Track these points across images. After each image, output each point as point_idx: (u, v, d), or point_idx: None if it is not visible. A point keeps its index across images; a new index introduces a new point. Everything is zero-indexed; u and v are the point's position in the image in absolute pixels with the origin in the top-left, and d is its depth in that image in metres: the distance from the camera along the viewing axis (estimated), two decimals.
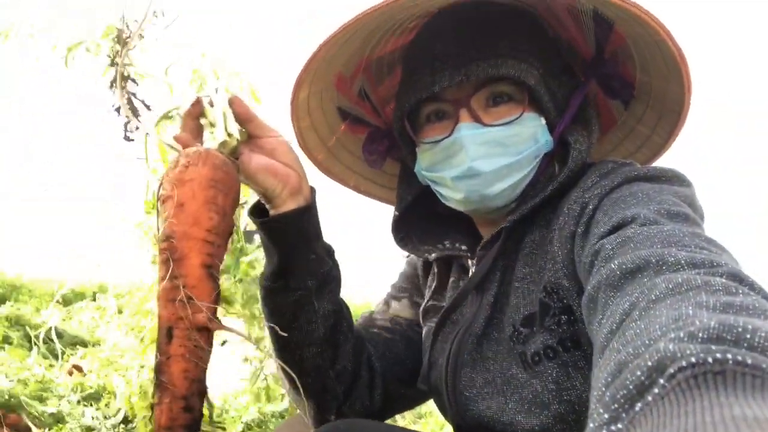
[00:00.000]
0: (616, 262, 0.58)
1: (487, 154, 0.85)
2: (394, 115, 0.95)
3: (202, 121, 0.82)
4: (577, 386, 0.78)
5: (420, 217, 1.04)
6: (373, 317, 1.10)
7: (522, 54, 0.86)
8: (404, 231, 1.03)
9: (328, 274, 0.92)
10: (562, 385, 0.78)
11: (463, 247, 0.98)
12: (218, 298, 0.70)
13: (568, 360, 0.78)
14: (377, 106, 1.07)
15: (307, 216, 0.89)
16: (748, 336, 0.36)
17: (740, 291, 0.45)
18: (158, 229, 0.70)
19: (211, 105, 0.81)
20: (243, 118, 0.87)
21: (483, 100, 0.87)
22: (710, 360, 0.34)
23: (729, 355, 0.34)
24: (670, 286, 0.48)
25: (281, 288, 0.90)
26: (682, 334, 0.39)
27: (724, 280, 0.47)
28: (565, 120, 0.89)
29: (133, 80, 0.91)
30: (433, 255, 1.00)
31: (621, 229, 0.66)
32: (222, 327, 0.68)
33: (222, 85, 0.86)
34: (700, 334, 0.38)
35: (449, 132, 0.87)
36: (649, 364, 0.37)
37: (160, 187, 0.73)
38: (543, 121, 0.87)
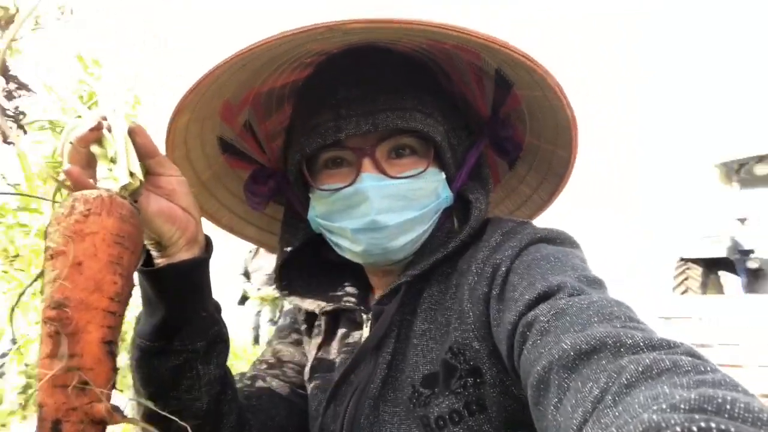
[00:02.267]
0: (567, 342, 0.56)
1: (390, 208, 0.81)
2: (290, 158, 0.88)
3: (94, 150, 0.67)
4: None
5: (304, 265, 0.98)
6: (254, 376, 0.99)
7: (428, 108, 0.84)
8: (287, 279, 0.96)
9: (218, 335, 0.80)
10: None
11: (354, 300, 0.93)
12: (115, 381, 0.57)
13: (473, 425, 0.75)
14: (263, 141, 0.99)
15: (202, 268, 0.77)
16: (728, 407, 0.38)
17: (708, 368, 0.46)
18: (41, 292, 0.56)
19: (109, 131, 0.67)
20: (145, 151, 0.72)
21: (387, 151, 0.83)
22: (695, 429, 0.36)
23: (713, 424, 0.36)
24: (640, 369, 0.47)
25: (161, 350, 0.76)
26: (664, 406, 0.39)
27: (689, 359, 0.48)
28: (462, 176, 0.89)
29: (13, 77, 0.71)
30: (320, 307, 0.93)
31: (550, 299, 0.65)
32: (126, 420, 0.55)
33: (120, 106, 0.70)
34: (682, 405, 0.39)
35: (351, 181, 0.82)
36: None
37: (46, 236, 0.58)
38: (443, 176, 0.86)
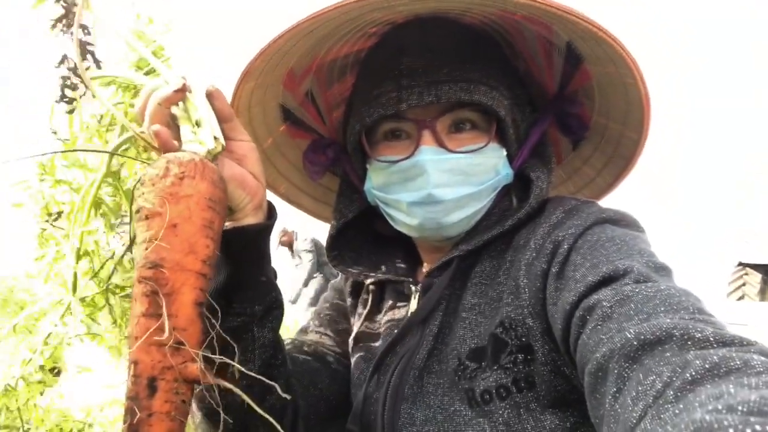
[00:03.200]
0: (631, 331, 0.54)
1: (449, 182, 0.80)
2: (349, 128, 0.88)
3: (176, 111, 0.66)
4: (528, 429, 0.73)
5: (356, 236, 0.97)
6: (301, 341, 1.01)
7: (492, 81, 0.82)
8: (338, 249, 0.95)
9: (275, 300, 0.81)
10: (513, 428, 0.73)
11: (402, 272, 0.92)
12: (205, 343, 0.58)
13: (521, 401, 0.73)
14: (323, 111, 0.99)
15: (266, 233, 0.79)
16: None
17: None
18: (131, 249, 0.57)
19: (190, 92, 0.67)
20: (222, 115, 0.73)
21: (447, 124, 0.82)
22: (749, 431, 0.33)
23: None
24: (707, 366, 0.45)
25: (221, 311, 0.78)
26: (720, 407, 0.37)
27: (762, 359, 0.44)
28: (524, 153, 0.87)
29: (85, 26, 0.71)
30: (369, 278, 0.93)
31: (614, 283, 0.63)
32: (218, 382, 0.55)
33: (198, 68, 0.71)
34: (740, 407, 0.36)
35: (409, 153, 0.81)
36: None
37: (138, 196, 0.58)
38: (504, 152, 0.84)
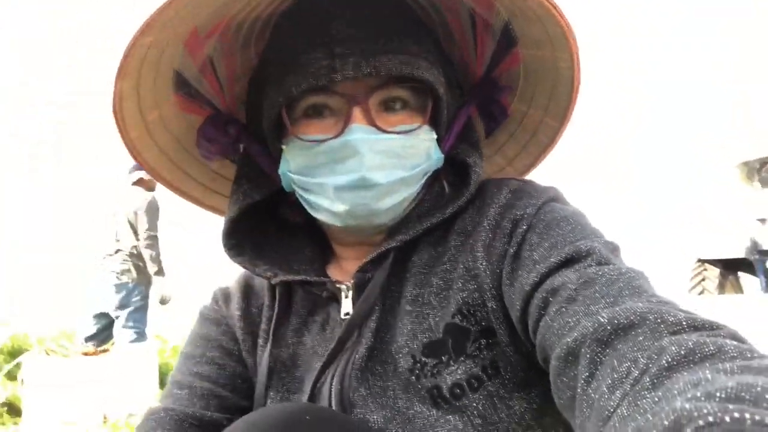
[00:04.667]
0: (604, 315, 0.53)
1: (382, 164, 0.73)
2: (266, 101, 0.77)
3: None
4: (504, 419, 0.69)
5: (255, 227, 0.85)
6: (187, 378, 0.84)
7: (431, 57, 0.77)
8: (236, 238, 0.83)
9: None
10: (489, 419, 0.68)
11: (316, 272, 0.83)
12: None
13: (492, 389, 0.69)
14: (224, 82, 0.85)
15: None
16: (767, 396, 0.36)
17: (755, 354, 0.44)
18: None
19: None
20: None
21: (378, 101, 0.75)
22: (728, 419, 0.33)
23: (747, 414, 0.33)
24: (682, 352, 0.45)
25: None
26: (698, 394, 0.37)
27: (735, 343, 0.45)
28: (451, 138, 0.82)
29: None
30: (278, 278, 0.80)
31: (576, 264, 0.63)
32: None
33: None
34: (718, 394, 0.37)
35: (338, 132, 0.73)
36: (665, 423, 0.36)
37: None
38: (435, 135, 0.79)
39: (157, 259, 4.95)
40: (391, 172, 0.73)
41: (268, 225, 0.87)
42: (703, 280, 9.38)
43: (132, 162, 4.93)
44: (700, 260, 9.47)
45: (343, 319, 0.78)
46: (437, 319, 0.72)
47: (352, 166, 0.72)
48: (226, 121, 0.85)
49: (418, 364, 0.71)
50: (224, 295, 0.91)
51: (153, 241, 4.91)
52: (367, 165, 0.71)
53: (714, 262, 9.32)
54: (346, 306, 0.79)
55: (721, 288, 9.27)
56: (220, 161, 0.92)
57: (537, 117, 0.91)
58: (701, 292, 9.25)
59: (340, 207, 0.74)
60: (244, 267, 0.82)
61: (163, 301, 5.07)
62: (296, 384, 0.79)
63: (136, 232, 4.91)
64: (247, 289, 0.89)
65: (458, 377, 0.69)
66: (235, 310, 0.87)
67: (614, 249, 0.67)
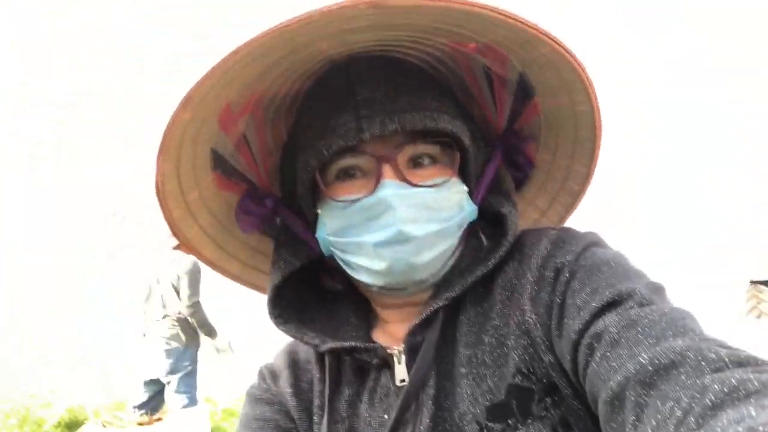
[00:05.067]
0: (644, 356, 0.54)
1: (416, 218, 0.73)
2: (301, 167, 0.79)
3: None
4: None
5: (297, 295, 0.86)
6: None
7: (454, 112, 0.80)
8: (280, 308, 0.83)
9: None
10: None
11: (363, 339, 0.81)
12: None
13: None
14: (258, 157, 0.89)
15: None
16: None
17: None
18: None
19: None
20: None
21: (407, 158, 0.77)
22: None
23: None
24: (726, 390, 0.45)
25: None
26: (741, 429, 0.38)
27: None
28: (482, 190, 0.84)
29: None
30: (327, 346, 0.79)
31: (618, 307, 0.63)
32: None
33: None
34: (761, 429, 0.37)
35: (370, 191, 0.74)
36: None
37: None
38: (465, 188, 0.81)
39: (204, 323, 5.03)
40: (426, 225, 0.74)
41: (309, 295, 0.88)
42: (759, 303, 8.97)
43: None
44: (753, 282, 9.07)
45: (399, 387, 0.76)
46: (495, 379, 0.71)
47: (387, 221, 0.73)
48: (263, 195, 0.87)
49: (485, 430, 0.69)
50: (271, 373, 0.89)
51: (196, 308, 4.98)
52: (402, 218, 0.72)
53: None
54: (400, 372, 0.77)
55: None
56: (257, 238, 0.94)
57: (563, 164, 0.92)
58: (759, 316, 8.85)
59: (380, 264, 0.74)
60: (291, 335, 0.82)
61: (220, 350, 5.12)
62: None
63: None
64: (294, 365, 0.88)
65: None
66: (285, 387, 0.86)
67: (657, 289, 0.66)
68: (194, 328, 5.05)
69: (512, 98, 0.86)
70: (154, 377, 5.01)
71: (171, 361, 4.92)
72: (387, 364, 0.78)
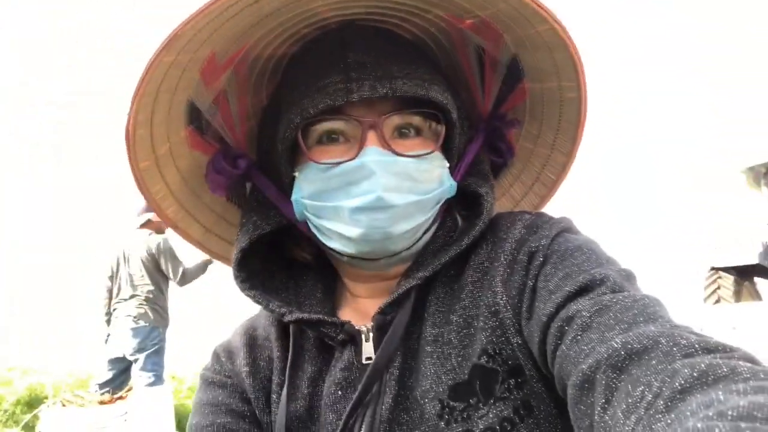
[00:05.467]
0: (617, 340, 0.54)
1: (397, 186, 0.73)
2: (283, 125, 0.76)
3: None
4: None
5: (263, 263, 0.84)
6: None
7: (443, 86, 0.79)
8: (246, 272, 0.80)
9: None
10: None
11: (328, 312, 0.79)
12: None
13: (525, 431, 0.66)
14: (237, 117, 0.86)
15: None
16: None
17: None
18: None
19: None
20: None
21: (392, 127, 0.76)
22: None
23: None
24: (695, 374, 0.45)
25: None
26: (711, 413, 0.38)
27: (748, 365, 0.46)
28: (461, 169, 0.83)
29: None
30: (293, 316, 0.77)
31: (591, 292, 0.63)
32: None
33: None
34: (730, 413, 0.37)
35: (354, 155, 0.73)
36: None
37: None
38: (447, 164, 0.80)
39: (199, 270, 5.15)
40: (406, 195, 0.73)
41: (276, 265, 0.85)
42: (719, 288, 9.20)
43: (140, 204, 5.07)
44: (713, 268, 9.29)
45: (363, 365, 0.75)
46: (460, 359, 0.71)
47: (367, 187, 0.71)
48: (236, 155, 0.85)
49: (447, 409, 0.69)
50: (227, 352, 0.86)
51: (185, 274, 5.08)
52: (382, 185, 0.71)
53: (728, 270, 9.16)
54: (367, 350, 0.76)
55: (737, 296, 9.09)
56: (223, 205, 0.91)
57: (543, 153, 0.92)
58: (717, 301, 9.03)
59: (354, 231, 0.72)
60: (256, 302, 0.79)
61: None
62: (309, 422, 0.75)
63: (152, 276, 5.03)
64: (252, 342, 0.85)
65: (490, 421, 0.67)
66: (242, 366, 0.83)
67: (629, 276, 0.67)
68: (163, 307, 5.09)
69: (501, 81, 0.86)
70: (119, 355, 4.97)
71: (138, 339, 4.90)
72: (353, 340, 0.76)
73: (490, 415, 0.67)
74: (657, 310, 0.59)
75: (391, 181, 0.72)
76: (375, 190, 0.71)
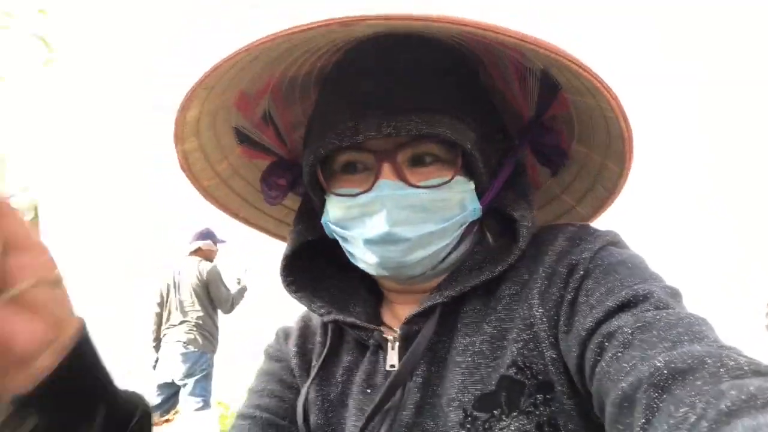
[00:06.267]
0: (660, 359, 0.52)
1: (409, 220, 0.73)
2: (305, 160, 0.80)
3: None
4: None
5: (312, 265, 0.89)
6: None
7: (459, 111, 0.75)
8: (293, 275, 0.87)
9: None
10: None
11: (368, 318, 0.84)
12: None
13: None
14: (283, 132, 0.91)
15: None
16: None
17: None
18: None
19: None
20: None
21: (408, 156, 0.75)
22: None
23: None
24: (743, 397, 0.43)
25: None
26: None
27: None
28: (495, 186, 0.80)
29: None
30: (331, 317, 0.83)
31: (634, 309, 0.61)
32: None
33: None
34: None
35: (368, 187, 0.74)
36: None
37: None
38: (472, 186, 0.77)
39: (240, 295, 5.47)
40: (419, 226, 0.73)
41: (327, 266, 0.90)
42: None
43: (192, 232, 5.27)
44: None
45: (388, 372, 0.79)
46: (489, 370, 0.71)
47: (378, 222, 0.73)
48: (286, 167, 0.91)
49: (469, 418, 0.70)
50: (285, 333, 0.96)
51: (234, 299, 5.38)
52: (393, 220, 0.72)
53: None
54: (392, 358, 0.79)
55: None
56: (290, 197, 0.97)
57: (597, 160, 0.84)
58: None
59: (371, 258, 0.75)
60: (301, 302, 0.86)
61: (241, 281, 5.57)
62: (341, 425, 0.81)
63: (201, 302, 5.16)
64: (305, 328, 0.93)
65: None
66: (292, 346, 0.92)
67: (674, 294, 0.64)
68: (212, 333, 5.20)
69: (539, 87, 0.79)
70: (168, 380, 5.07)
71: (188, 365, 5.02)
72: (381, 346, 0.81)
73: (512, 428, 0.67)
74: (703, 330, 0.56)
75: (401, 215, 0.73)
76: (384, 226, 0.72)
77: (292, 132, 0.93)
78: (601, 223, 0.89)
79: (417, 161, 0.75)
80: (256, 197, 0.98)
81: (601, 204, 0.91)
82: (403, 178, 0.73)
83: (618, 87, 0.70)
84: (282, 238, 1.04)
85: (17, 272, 0.49)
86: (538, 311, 0.70)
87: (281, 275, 0.87)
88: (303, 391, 0.85)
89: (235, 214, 0.98)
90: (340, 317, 0.82)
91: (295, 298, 0.87)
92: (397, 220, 0.72)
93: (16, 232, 0.49)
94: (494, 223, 0.81)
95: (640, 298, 0.61)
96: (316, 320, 0.94)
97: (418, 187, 0.73)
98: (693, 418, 0.44)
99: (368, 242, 0.74)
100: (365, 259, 0.77)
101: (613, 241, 0.73)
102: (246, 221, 1.01)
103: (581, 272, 0.69)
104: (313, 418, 0.83)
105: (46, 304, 0.51)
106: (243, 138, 0.88)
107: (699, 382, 0.47)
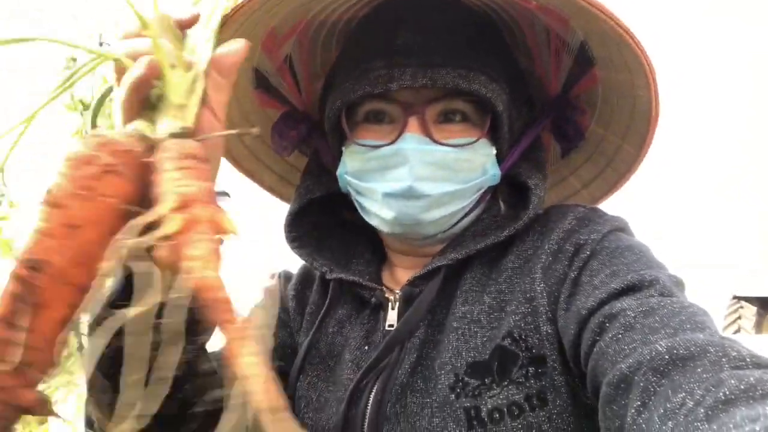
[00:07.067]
0: (662, 344, 0.52)
1: (432, 176, 0.73)
2: (329, 103, 0.79)
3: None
4: None
5: (317, 222, 0.88)
6: None
7: (493, 72, 0.75)
8: (297, 232, 0.86)
9: None
10: None
11: (371, 277, 0.83)
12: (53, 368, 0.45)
13: (533, 421, 0.67)
14: (302, 80, 0.89)
15: None
16: None
17: None
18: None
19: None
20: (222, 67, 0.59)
21: (437, 113, 0.75)
22: None
23: None
24: (742, 387, 0.43)
25: None
26: (757, 428, 0.36)
27: None
28: (514, 155, 0.80)
29: None
30: (334, 275, 0.82)
31: (638, 293, 0.61)
32: (51, 414, 0.43)
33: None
34: None
35: (392, 140, 0.73)
36: None
37: (54, 180, 0.44)
38: (494, 151, 0.78)
39: None
40: (441, 184, 0.73)
41: (332, 223, 0.90)
42: (740, 318, 8.73)
43: None
44: (735, 297, 8.78)
45: (387, 331, 0.78)
46: (485, 339, 0.71)
47: (401, 175, 0.73)
48: (300, 118, 0.88)
49: (460, 383, 0.70)
50: (286, 276, 0.95)
51: None
52: (416, 175, 0.72)
53: (751, 300, 8.63)
54: (391, 317, 0.79)
55: (759, 327, 8.53)
56: (295, 154, 0.95)
57: (614, 142, 0.86)
58: (737, 331, 8.55)
59: (387, 213, 0.75)
60: (304, 259, 0.85)
61: None
62: (327, 373, 0.81)
63: None
64: (306, 275, 0.93)
65: (499, 402, 0.67)
66: (290, 290, 0.92)
67: (678, 283, 0.65)
68: None
69: (572, 63, 0.80)
70: None
71: None
72: (382, 306, 0.81)
73: (501, 396, 0.67)
74: (705, 320, 0.56)
75: (425, 170, 0.72)
76: (407, 179, 0.72)
77: (309, 83, 0.90)
78: (606, 207, 0.91)
79: (445, 118, 0.75)
80: (260, 149, 0.95)
81: (609, 188, 0.92)
82: (428, 134, 0.73)
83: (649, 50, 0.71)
84: (280, 194, 1.01)
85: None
86: (539, 286, 0.71)
87: (285, 231, 0.86)
88: (303, 343, 0.84)
89: (239, 165, 0.95)
90: (343, 275, 0.81)
91: (298, 255, 0.86)
92: (421, 175, 0.72)
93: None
94: (507, 193, 0.82)
95: (646, 283, 0.62)
96: (317, 271, 0.92)
97: (444, 144, 0.73)
98: (690, 404, 0.44)
99: (387, 195, 0.73)
100: (381, 213, 0.76)
101: (621, 227, 0.74)
102: (249, 174, 0.97)
103: (587, 252, 0.70)
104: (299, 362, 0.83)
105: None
106: (260, 81, 0.86)
107: (699, 370, 0.48)
